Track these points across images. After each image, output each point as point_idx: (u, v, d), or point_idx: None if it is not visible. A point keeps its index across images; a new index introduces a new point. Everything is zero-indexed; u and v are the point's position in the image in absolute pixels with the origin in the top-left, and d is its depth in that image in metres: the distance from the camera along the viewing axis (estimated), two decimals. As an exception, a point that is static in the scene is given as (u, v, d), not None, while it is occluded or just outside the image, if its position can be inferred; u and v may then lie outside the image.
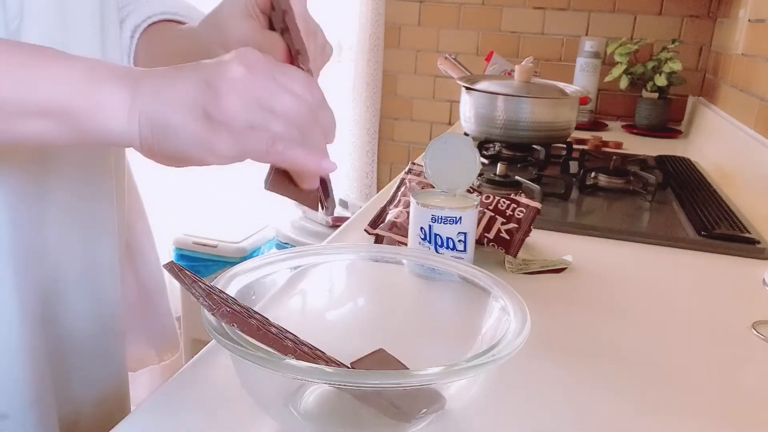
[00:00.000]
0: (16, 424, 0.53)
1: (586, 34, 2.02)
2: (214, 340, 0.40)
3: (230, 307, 0.41)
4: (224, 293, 0.43)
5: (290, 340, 0.42)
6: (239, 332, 0.40)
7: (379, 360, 0.49)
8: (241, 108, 0.40)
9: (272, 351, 0.40)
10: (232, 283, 0.48)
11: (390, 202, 0.85)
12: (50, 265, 0.56)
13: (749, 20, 1.48)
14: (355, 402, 0.43)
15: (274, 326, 0.43)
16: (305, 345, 0.43)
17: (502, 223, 0.77)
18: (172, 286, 0.52)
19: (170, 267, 0.42)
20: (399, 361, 0.49)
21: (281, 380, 0.44)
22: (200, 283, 0.42)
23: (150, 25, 0.63)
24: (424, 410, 0.42)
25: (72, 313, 0.60)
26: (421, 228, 0.70)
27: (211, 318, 0.41)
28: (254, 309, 0.44)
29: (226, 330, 0.40)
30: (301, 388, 0.47)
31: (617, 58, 1.84)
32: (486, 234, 0.76)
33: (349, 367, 0.45)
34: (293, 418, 0.45)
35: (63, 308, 0.59)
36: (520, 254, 0.77)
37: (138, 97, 0.41)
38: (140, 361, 0.76)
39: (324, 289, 0.50)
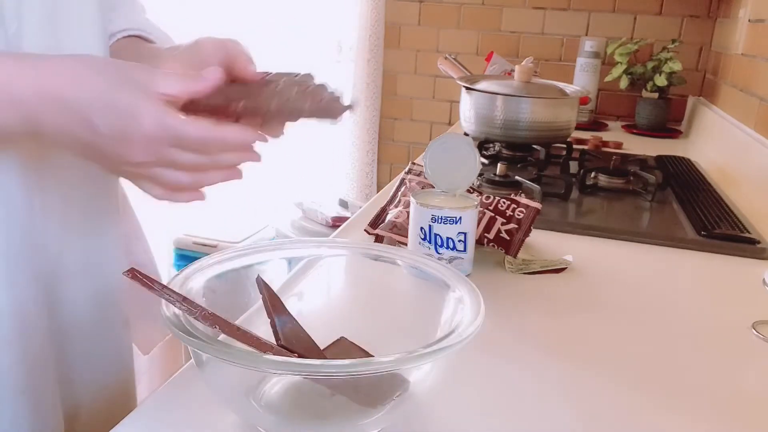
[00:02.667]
0: (5, 412, 0.54)
1: (586, 34, 2.02)
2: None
3: (205, 310, 0.43)
4: (188, 298, 0.44)
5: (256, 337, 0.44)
6: (220, 332, 0.42)
7: (342, 348, 0.50)
8: (140, 158, 0.47)
9: (251, 349, 0.42)
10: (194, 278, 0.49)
11: (390, 202, 0.85)
12: (49, 257, 0.57)
13: (749, 20, 1.48)
14: (317, 392, 0.44)
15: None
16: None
17: (502, 224, 0.77)
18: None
19: (133, 275, 0.43)
20: (361, 349, 0.50)
21: (243, 375, 0.45)
22: (169, 289, 0.43)
23: (118, 40, 0.65)
24: (398, 394, 0.43)
25: (73, 303, 0.60)
26: (421, 228, 0.70)
27: (171, 318, 0.41)
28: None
29: (188, 328, 0.41)
30: (262, 382, 0.47)
31: (617, 58, 1.84)
32: (486, 234, 0.76)
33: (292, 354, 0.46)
34: (255, 410, 0.45)
35: (64, 298, 0.59)
36: (520, 254, 0.77)
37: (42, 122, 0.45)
38: (149, 342, 0.77)
39: (287, 283, 0.52)
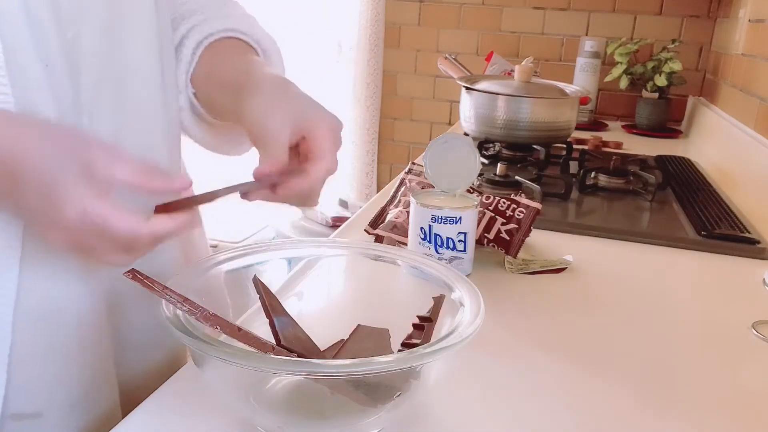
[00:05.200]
0: (51, 425, 0.52)
1: (586, 34, 2.02)
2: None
3: (206, 311, 0.43)
4: (189, 299, 0.44)
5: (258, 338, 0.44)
6: (223, 333, 0.42)
7: (363, 335, 0.50)
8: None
9: (253, 349, 0.42)
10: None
11: (390, 202, 0.85)
12: (108, 273, 0.55)
13: (749, 20, 1.48)
14: (317, 392, 0.44)
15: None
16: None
17: (502, 224, 0.77)
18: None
19: (133, 275, 0.43)
20: (380, 329, 0.50)
21: (243, 375, 0.45)
22: (170, 290, 0.43)
23: (211, 43, 0.63)
24: (398, 394, 0.43)
25: (130, 318, 0.59)
26: (421, 228, 0.70)
27: (171, 318, 0.42)
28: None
29: (188, 328, 0.41)
30: (262, 382, 0.48)
31: (617, 58, 1.84)
32: (486, 234, 0.76)
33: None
34: (255, 410, 0.46)
35: (122, 312, 0.58)
36: (520, 254, 0.77)
37: None
38: None
39: (287, 283, 0.52)
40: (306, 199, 0.53)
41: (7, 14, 0.45)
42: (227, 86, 0.59)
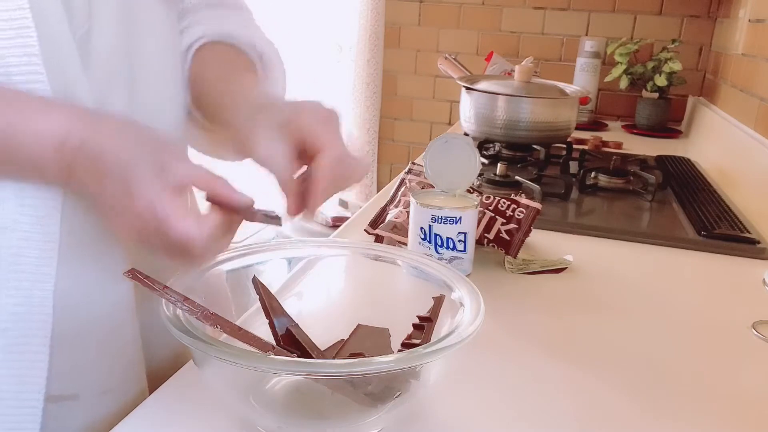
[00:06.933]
0: (85, 408, 0.53)
1: (586, 34, 2.02)
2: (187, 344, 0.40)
3: (207, 310, 0.43)
4: (189, 298, 0.44)
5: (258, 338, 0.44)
6: (222, 332, 0.42)
7: (363, 335, 0.50)
8: (124, 231, 0.46)
9: (253, 349, 0.42)
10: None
11: (390, 202, 0.85)
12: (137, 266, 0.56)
13: (749, 20, 1.48)
14: (317, 392, 0.44)
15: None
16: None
17: (502, 224, 0.77)
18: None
19: (133, 275, 0.43)
20: (380, 329, 0.50)
21: (243, 375, 0.45)
22: (170, 289, 0.43)
23: (202, 46, 0.63)
24: (398, 394, 0.43)
25: (158, 310, 0.60)
26: (421, 228, 0.70)
27: (171, 317, 0.42)
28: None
29: (188, 328, 0.41)
30: (262, 382, 0.48)
31: (617, 58, 1.84)
32: (486, 234, 0.76)
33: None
34: (255, 410, 0.46)
35: (151, 303, 0.58)
36: (520, 254, 0.77)
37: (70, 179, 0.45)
38: None
39: (287, 283, 0.52)
40: (345, 180, 0.51)
41: (42, 3, 0.45)
42: (212, 104, 0.59)
